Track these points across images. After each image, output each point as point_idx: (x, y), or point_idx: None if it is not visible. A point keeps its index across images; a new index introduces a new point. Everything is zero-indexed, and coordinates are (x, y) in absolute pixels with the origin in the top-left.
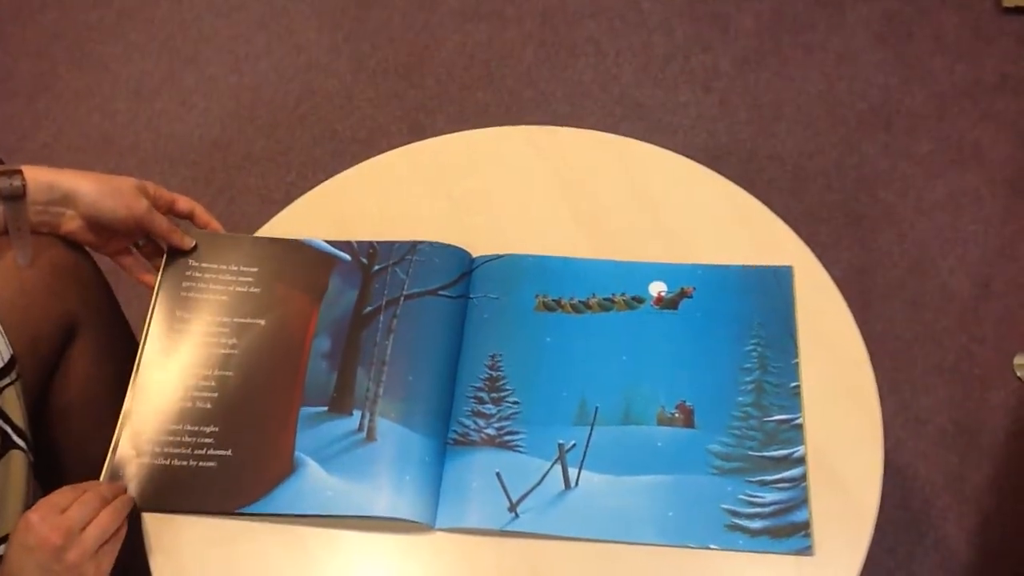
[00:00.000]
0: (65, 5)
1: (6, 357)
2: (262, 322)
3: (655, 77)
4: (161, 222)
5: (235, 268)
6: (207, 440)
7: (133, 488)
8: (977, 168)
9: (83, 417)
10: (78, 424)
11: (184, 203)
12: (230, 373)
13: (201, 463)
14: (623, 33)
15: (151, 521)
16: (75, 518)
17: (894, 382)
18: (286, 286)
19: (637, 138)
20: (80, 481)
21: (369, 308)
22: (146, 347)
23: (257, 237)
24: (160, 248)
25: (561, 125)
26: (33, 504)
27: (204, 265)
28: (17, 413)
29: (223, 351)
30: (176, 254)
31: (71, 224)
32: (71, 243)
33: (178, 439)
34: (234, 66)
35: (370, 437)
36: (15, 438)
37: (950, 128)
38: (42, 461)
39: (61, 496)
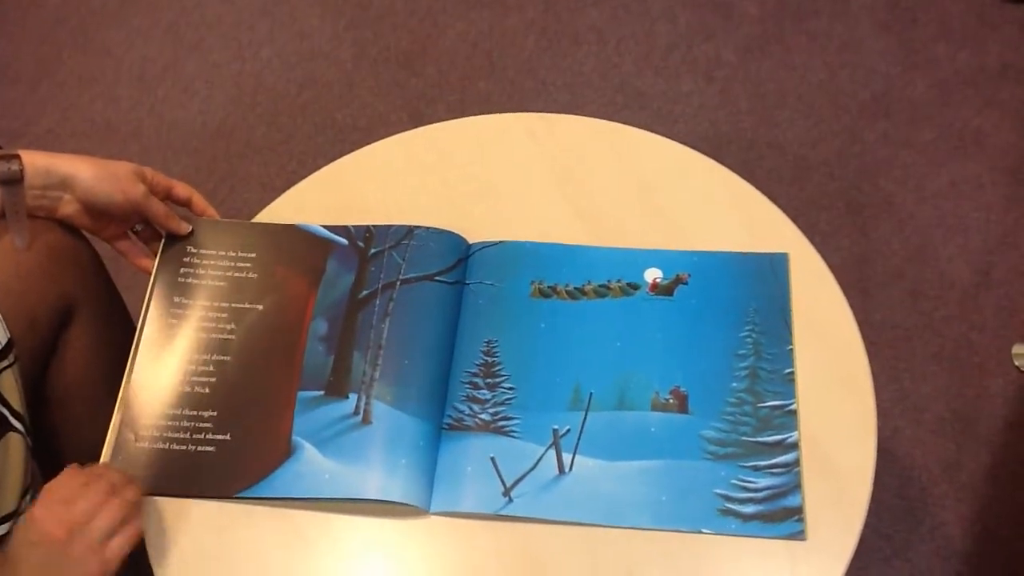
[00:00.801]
0: None
1: (3, 341)
2: (260, 307)
3: (657, 66)
4: (158, 207)
5: (233, 254)
6: (206, 425)
7: (130, 470)
8: (979, 156)
9: (80, 400)
10: (75, 406)
11: (182, 189)
12: (228, 358)
13: (200, 447)
14: (625, 22)
15: (148, 505)
16: (80, 511)
17: (893, 370)
18: (284, 270)
19: (638, 127)
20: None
21: (366, 292)
22: (144, 332)
23: (255, 223)
24: (158, 233)
25: (562, 114)
26: (32, 487)
27: (202, 251)
28: (15, 396)
29: (221, 336)
30: (174, 240)
31: (68, 208)
32: (68, 227)
33: (177, 424)
34: (237, 53)
35: (366, 420)
36: (13, 421)
37: (952, 116)
38: (39, 443)
39: (66, 488)
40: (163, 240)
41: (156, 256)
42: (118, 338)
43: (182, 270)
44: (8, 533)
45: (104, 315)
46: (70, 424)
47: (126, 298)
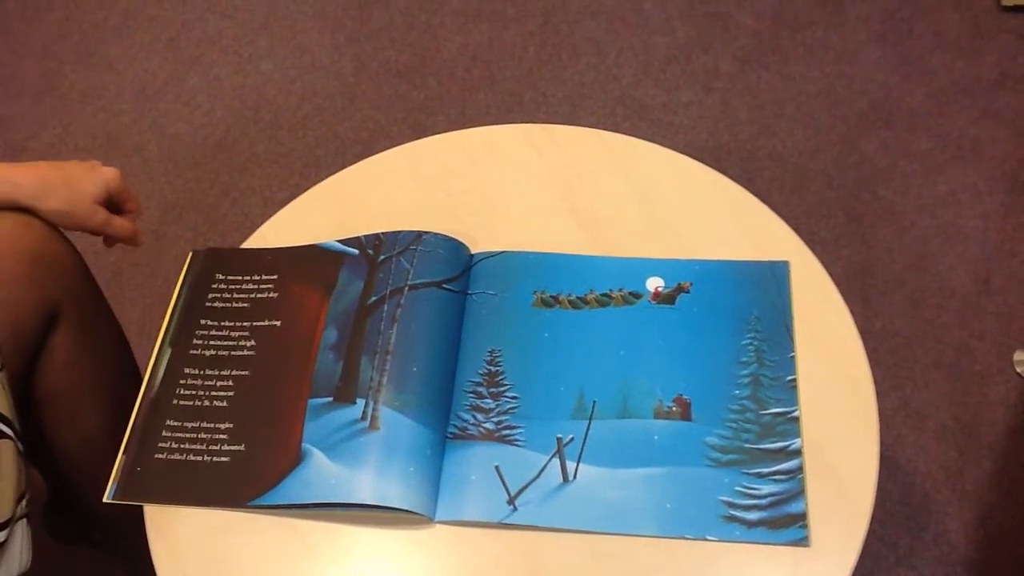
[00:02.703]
0: (71, 5)
1: None
2: (278, 323)
3: (656, 78)
4: (117, 230)
5: (257, 277)
6: (222, 436)
7: (146, 482)
8: (976, 165)
9: (66, 402)
10: (60, 410)
11: (133, 205)
12: (247, 372)
13: (215, 458)
14: (624, 34)
15: (153, 510)
16: None
17: (895, 378)
18: (300, 286)
19: (639, 138)
20: (66, 470)
21: (374, 298)
22: (164, 350)
23: (277, 248)
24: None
25: (563, 125)
26: (27, 492)
27: (230, 277)
28: (3, 402)
29: (241, 353)
30: (202, 267)
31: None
32: (52, 229)
33: (194, 436)
34: (238, 67)
35: (373, 426)
36: (2, 427)
37: (950, 125)
38: (25, 446)
39: None
40: (187, 263)
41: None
42: (103, 342)
43: (210, 295)
44: (7, 540)
45: (89, 319)
46: (55, 427)
47: (127, 311)
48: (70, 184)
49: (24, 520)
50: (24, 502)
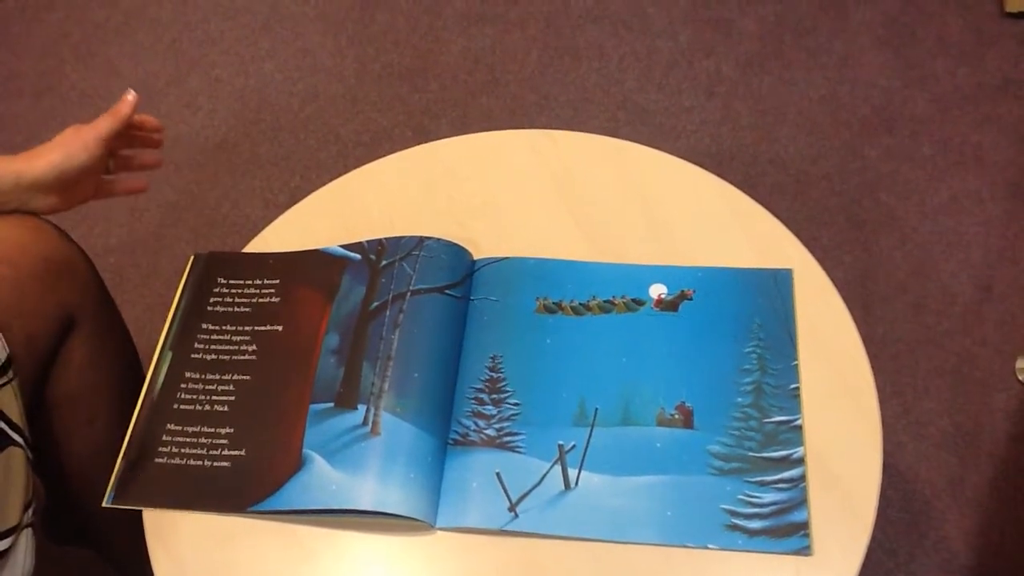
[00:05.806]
0: (72, 4)
1: (2, 357)
2: (280, 328)
3: (658, 82)
4: (116, 122)
5: (259, 282)
6: (222, 441)
7: (146, 486)
8: (979, 171)
9: (77, 409)
10: (73, 416)
11: (151, 123)
12: (248, 377)
13: (216, 463)
14: (627, 39)
15: (152, 515)
16: None
17: (896, 385)
18: (302, 291)
19: (641, 143)
20: (72, 476)
21: (376, 303)
22: (166, 354)
23: (279, 252)
24: (129, 161)
25: (565, 130)
26: (33, 500)
27: (232, 281)
28: (14, 411)
29: (243, 358)
30: (203, 270)
31: (39, 203)
32: (65, 237)
33: (194, 440)
34: (239, 68)
35: (374, 432)
36: (12, 435)
37: (952, 131)
38: (36, 452)
39: None
40: (188, 266)
41: (142, 174)
42: (116, 348)
43: (211, 299)
44: (11, 547)
45: (102, 325)
46: (67, 433)
47: (127, 313)
48: (62, 140)
49: (29, 529)
50: (30, 511)
